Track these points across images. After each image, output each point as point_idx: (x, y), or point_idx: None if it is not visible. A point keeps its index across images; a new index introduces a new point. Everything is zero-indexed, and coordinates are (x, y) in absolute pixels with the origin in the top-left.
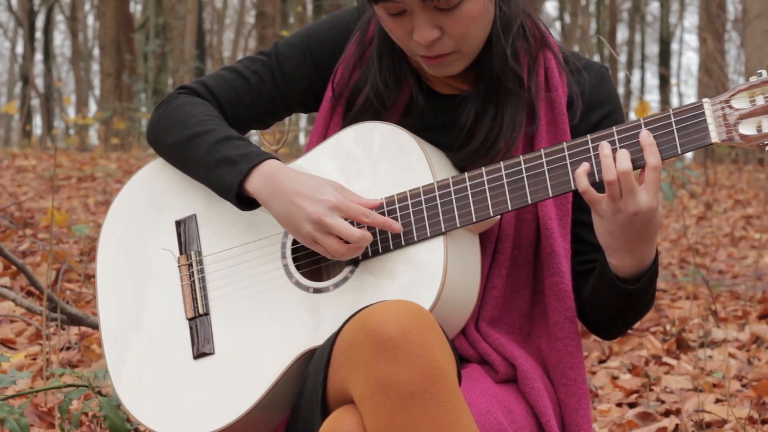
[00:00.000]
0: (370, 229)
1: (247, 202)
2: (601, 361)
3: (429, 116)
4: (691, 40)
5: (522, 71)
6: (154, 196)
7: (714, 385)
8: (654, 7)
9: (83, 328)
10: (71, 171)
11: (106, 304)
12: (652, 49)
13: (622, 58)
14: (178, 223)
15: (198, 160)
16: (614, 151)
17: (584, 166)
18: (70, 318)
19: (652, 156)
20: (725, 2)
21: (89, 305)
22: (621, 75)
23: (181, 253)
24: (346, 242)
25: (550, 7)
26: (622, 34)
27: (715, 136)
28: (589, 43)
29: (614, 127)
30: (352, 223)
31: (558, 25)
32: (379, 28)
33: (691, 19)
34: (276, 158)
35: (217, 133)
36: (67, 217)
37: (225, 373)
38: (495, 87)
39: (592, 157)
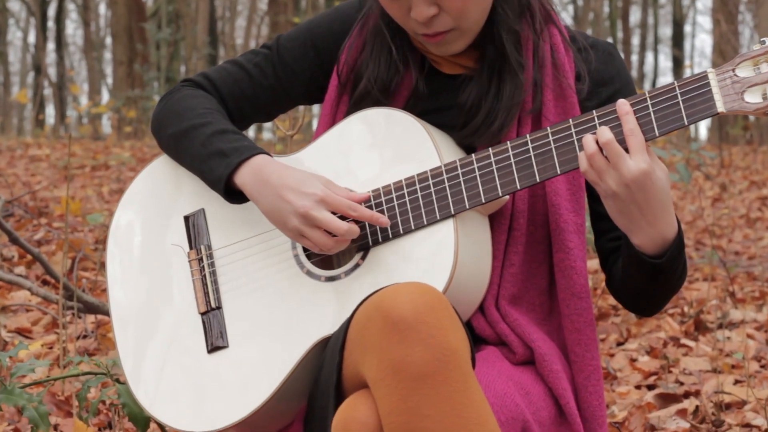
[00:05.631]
0: (360, 223)
1: (235, 195)
2: (620, 344)
3: (434, 99)
4: (705, 21)
5: (524, 48)
6: (162, 191)
7: (733, 366)
8: None
9: (99, 316)
10: (85, 160)
11: (118, 298)
12: (665, 31)
13: (635, 41)
14: (186, 218)
15: (192, 152)
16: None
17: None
18: (86, 306)
19: (627, 123)
20: None
21: (105, 293)
22: (634, 58)
23: (191, 248)
24: (333, 236)
25: None
26: (634, 16)
27: (720, 106)
28: (602, 25)
29: (619, 101)
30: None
31: (570, 8)
32: (379, 14)
33: (704, 0)
34: (267, 153)
35: (213, 126)
36: (81, 205)
37: (240, 365)
38: (497, 64)
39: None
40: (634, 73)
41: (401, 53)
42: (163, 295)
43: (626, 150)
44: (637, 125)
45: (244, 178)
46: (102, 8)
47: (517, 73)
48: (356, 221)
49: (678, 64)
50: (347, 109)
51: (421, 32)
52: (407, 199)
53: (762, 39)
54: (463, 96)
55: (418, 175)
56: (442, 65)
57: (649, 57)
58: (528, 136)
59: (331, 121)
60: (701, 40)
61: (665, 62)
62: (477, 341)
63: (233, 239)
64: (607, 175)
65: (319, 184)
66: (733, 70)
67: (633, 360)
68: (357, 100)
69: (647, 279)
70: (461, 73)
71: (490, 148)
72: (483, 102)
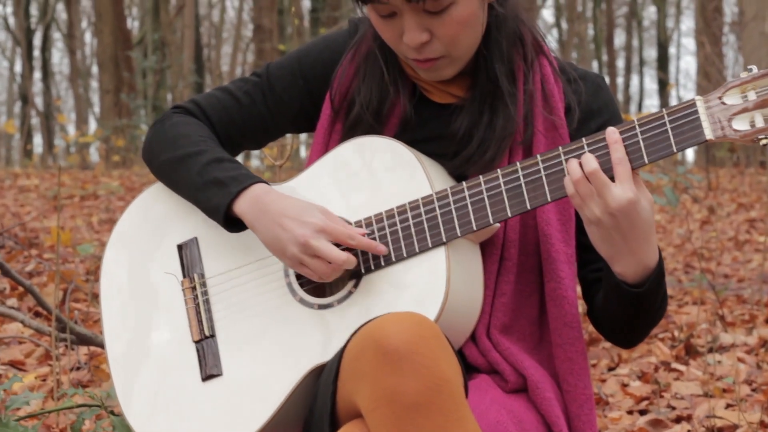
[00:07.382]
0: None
1: (234, 224)
2: (611, 369)
3: (425, 127)
4: (689, 43)
5: (516, 77)
6: (154, 220)
7: (724, 390)
8: (651, 12)
9: (92, 348)
10: (74, 190)
11: (112, 331)
12: (650, 53)
13: (620, 63)
14: (180, 247)
15: (188, 180)
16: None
17: None
18: (79, 338)
19: (615, 152)
20: (722, 5)
21: (97, 324)
22: (620, 80)
23: (184, 277)
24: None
25: (547, 14)
26: (619, 39)
27: (709, 133)
28: (587, 49)
29: (608, 129)
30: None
31: (555, 32)
32: (372, 37)
33: (688, 22)
34: (264, 182)
35: (209, 154)
36: (71, 236)
37: (234, 393)
38: (489, 94)
39: None
40: (620, 96)
41: (392, 77)
42: (157, 324)
43: (613, 178)
44: (625, 154)
45: (243, 207)
46: (87, 36)
47: (509, 103)
48: (351, 250)
49: (663, 86)
50: (340, 137)
51: (412, 57)
52: (399, 227)
53: (749, 66)
54: (455, 125)
55: (409, 203)
56: (433, 94)
57: (635, 79)
58: (518, 163)
59: (323, 149)
60: (686, 62)
61: (651, 84)
62: (469, 370)
63: (226, 267)
64: (592, 201)
65: (318, 213)
66: (721, 97)
67: (624, 385)
68: (350, 125)
69: (627, 308)
70: (452, 103)
71: (480, 176)
72: (475, 132)
